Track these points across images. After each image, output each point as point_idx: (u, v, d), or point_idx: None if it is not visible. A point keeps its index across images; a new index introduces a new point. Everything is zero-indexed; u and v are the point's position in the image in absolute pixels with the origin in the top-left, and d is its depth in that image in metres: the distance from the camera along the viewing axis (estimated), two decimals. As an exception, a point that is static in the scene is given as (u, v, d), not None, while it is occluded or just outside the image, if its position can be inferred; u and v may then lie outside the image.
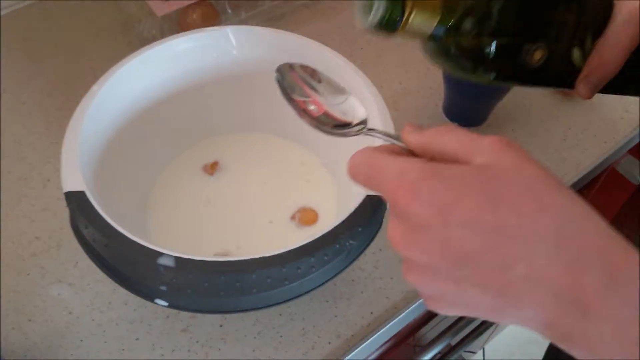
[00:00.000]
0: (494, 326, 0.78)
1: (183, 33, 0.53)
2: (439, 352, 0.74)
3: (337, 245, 0.41)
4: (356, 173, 0.31)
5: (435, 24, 0.38)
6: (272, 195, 0.57)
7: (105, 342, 0.51)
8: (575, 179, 0.63)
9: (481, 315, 0.29)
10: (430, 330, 0.81)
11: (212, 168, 0.58)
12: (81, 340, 0.51)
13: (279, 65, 0.40)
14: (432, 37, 0.38)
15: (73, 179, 0.43)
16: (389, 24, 0.37)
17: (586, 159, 0.64)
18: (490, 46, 0.37)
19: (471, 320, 0.78)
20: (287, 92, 0.39)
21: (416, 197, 0.27)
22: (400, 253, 0.29)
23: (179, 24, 0.70)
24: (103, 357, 0.50)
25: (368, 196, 0.44)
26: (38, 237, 0.57)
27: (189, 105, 0.56)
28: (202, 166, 0.59)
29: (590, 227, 0.27)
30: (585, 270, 0.26)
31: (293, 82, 0.39)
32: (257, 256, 0.40)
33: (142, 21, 0.69)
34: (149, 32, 0.68)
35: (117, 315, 0.53)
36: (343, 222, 0.42)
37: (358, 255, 0.44)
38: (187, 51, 0.53)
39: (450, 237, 0.27)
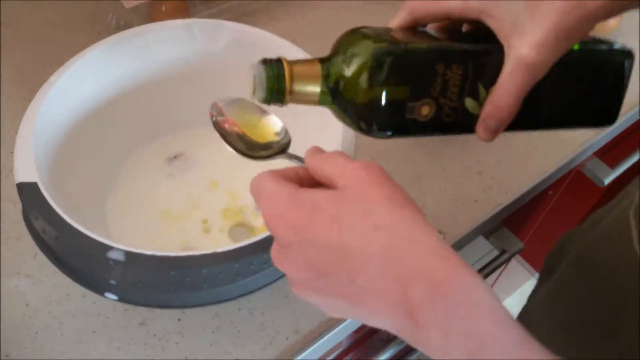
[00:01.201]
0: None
1: (147, 25, 0.52)
2: (404, 348, 0.74)
3: (290, 242, 0.42)
4: (252, 192, 0.34)
5: (319, 91, 0.37)
6: (237, 188, 0.57)
7: (62, 334, 0.51)
8: (538, 180, 0.64)
9: (354, 319, 0.34)
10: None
11: (175, 160, 0.58)
12: (36, 333, 0.51)
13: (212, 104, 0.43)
14: (323, 102, 0.38)
15: (26, 170, 0.43)
16: (277, 98, 0.37)
17: (549, 160, 0.65)
18: (373, 106, 0.36)
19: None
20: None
21: (279, 220, 0.31)
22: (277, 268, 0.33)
23: (149, 16, 0.70)
24: (58, 349, 0.50)
25: (324, 193, 0.44)
26: (-3, 228, 0.56)
27: (152, 98, 0.56)
28: (165, 159, 0.58)
29: (418, 244, 0.29)
30: (410, 285, 0.28)
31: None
32: (208, 252, 0.40)
33: (112, 12, 0.69)
34: (118, 23, 0.68)
35: (75, 307, 0.52)
36: (297, 218, 0.42)
37: (312, 252, 0.44)
38: (151, 43, 0.53)
39: (308, 254, 0.31)
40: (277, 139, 0.41)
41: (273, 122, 0.42)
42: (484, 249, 0.75)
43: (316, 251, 0.30)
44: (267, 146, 0.41)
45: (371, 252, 0.29)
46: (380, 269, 0.29)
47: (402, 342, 0.66)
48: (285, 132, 0.42)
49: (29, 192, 0.42)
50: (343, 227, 0.30)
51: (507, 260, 0.70)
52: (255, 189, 0.33)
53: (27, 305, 0.52)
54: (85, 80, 0.50)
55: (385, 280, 0.29)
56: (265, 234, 0.41)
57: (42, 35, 0.71)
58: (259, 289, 0.42)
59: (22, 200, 0.42)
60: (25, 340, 0.50)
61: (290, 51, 0.53)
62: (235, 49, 0.54)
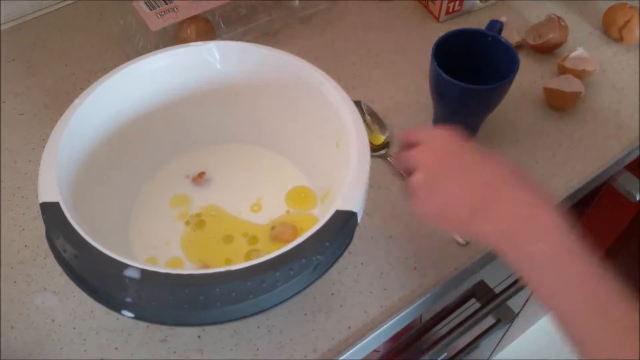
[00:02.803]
0: (493, 337, 0.77)
1: (167, 48, 0.54)
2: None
3: (303, 260, 0.42)
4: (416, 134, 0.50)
5: None
6: (259, 207, 0.58)
7: (85, 350, 0.52)
8: (565, 195, 0.62)
9: (454, 220, 0.47)
10: (424, 343, 0.80)
11: (199, 178, 0.59)
12: (61, 349, 0.52)
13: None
14: None
15: (49, 190, 0.44)
16: None
17: (576, 175, 0.63)
18: None
19: (462, 332, 0.77)
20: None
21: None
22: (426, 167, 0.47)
23: (175, 37, 0.72)
24: (82, 365, 0.51)
25: (338, 211, 0.44)
26: (27, 246, 0.58)
27: (173, 118, 0.57)
28: (185, 177, 0.59)
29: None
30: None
31: None
32: (221, 270, 0.40)
33: (139, 35, 0.71)
34: (145, 46, 0.70)
35: (98, 324, 0.54)
36: (310, 236, 0.42)
37: (326, 271, 0.44)
38: (172, 65, 0.54)
39: (460, 156, 0.47)
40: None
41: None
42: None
43: (467, 156, 0.47)
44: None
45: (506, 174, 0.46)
46: (515, 191, 0.44)
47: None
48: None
49: (51, 212, 0.43)
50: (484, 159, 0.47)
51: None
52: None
53: (53, 321, 0.54)
54: (108, 102, 0.52)
55: (517, 197, 0.44)
56: (276, 253, 0.41)
57: (71, 58, 0.74)
58: (272, 307, 0.42)
59: (44, 219, 0.44)
60: (50, 355, 0.52)
61: (308, 71, 0.53)
62: (253, 69, 0.55)
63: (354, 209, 0.45)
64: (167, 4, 0.69)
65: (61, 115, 0.67)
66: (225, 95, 0.57)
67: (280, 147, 0.61)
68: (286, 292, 0.42)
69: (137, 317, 0.41)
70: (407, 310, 0.55)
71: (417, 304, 0.55)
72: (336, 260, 0.45)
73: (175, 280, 0.40)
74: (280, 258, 0.41)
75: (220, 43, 0.55)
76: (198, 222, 0.57)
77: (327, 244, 0.43)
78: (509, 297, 0.68)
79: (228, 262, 0.54)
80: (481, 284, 0.73)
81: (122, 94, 0.53)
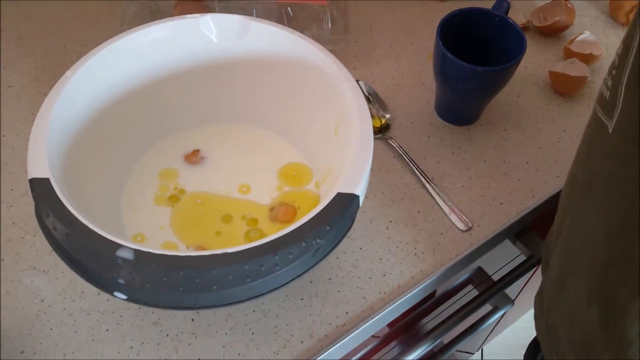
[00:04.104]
0: (489, 324, 0.76)
1: (162, 20, 0.52)
2: (430, 351, 0.72)
3: (303, 244, 0.40)
4: None
5: None
6: (254, 189, 0.56)
7: (75, 331, 0.51)
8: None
9: None
10: (420, 328, 0.79)
11: (193, 156, 0.57)
12: (51, 329, 0.51)
13: None
14: None
15: (38, 166, 0.42)
16: None
17: (580, 162, 0.62)
18: None
19: (461, 318, 0.76)
20: None
21: None
22: None
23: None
24: (71, 347, 0.50)
25: (339, 194, 0.42)
26: (15, 223, 0.56)
27: (167, 94, 0.55)
28: (182, 155, 0.58)
29: None
30: None
31: None
32: (218, 252, 0.39)
33: (132, 6, 0.68)
34: (140, 16, 0.67)
35: (89, 305, 0.52)
36: (311, 219, 0.41)
37: (326, 255, 0.43)
38: (166, 38, 0.52)
39: None
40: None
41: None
42: (512, 254, 0.73)
43: None
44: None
45: None
46: None
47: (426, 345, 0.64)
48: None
49: (41, 188, 0.41)
50: None
51: (535, 266, 0.67)
52: None
53: (42, 301, 0.52)
54: (100, 75, 0.50)
55: None
56: (275, 235, 0.40)
57: (62, 29, 0.71)
58: (270, 291, 0.41)
59: (34, 196, 0.42)
60: (39, 337, 0.50)
61: (310, 48, 0.51)
62: (251, 44, 0.53)
63: (356, 192, 0.43)
64: None
65: (51, 88, 0.66)
66: (222, 72, 0.55)
67: (279, 127, 0.59)
68: (285, 276, 0.41)
69: (130, 300, 0.40)
70: (406, 297, 0.53)
71: (416, 290, 0.54)
72: (337, 244, 0.43)
73: (170, 262, 0.38)
74: (280, 241, 0.40)
75: (217, 15, 0.53)
76: (190, 200, 0.55)
77: (328, 227, 0.41)
78: (508, 284, 0.67)
79: (224, 243, 0.52)
80: (479, 271, 0.72)
81: (115, 67, 0.51)
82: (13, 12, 0.72)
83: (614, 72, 0.35)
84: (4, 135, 0.62)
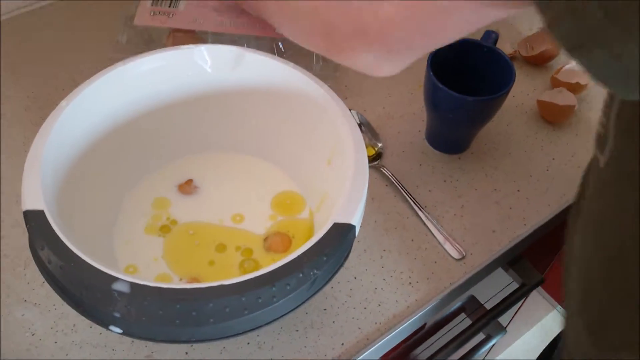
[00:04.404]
0: (481, 353, 0.76)
1: (157, 50, 0.52)
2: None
3: (300, 275, 0.40)
4: None
5: None
6: (247, 218, 0.56)
7: (67, 366, 0.50)
8: (558, 210, 0.61)
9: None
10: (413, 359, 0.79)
11: (187, 186, 0.57)
12: (41, 364, 0.50)
13: None
14: None
15: (33, 198, 0.42)
16: None
17: (570, 189, 0.63)
18: None
19: (454, 348, 0.76)
20: None
21: None
22: None
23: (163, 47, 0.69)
24: (62, 381, 0.49)
25: (336, 224, 0.43)
26: (6, 255, 0.55)
27: (162, 123, 0.55)
28: (175, 185, 0.57)
29: None
30: None
31: None
32: (215, 284, 0.38)
33: (125, 34, 0.68)
34: (131, 41, 0.67)
35: (81, 338, 0.51)
36: (307, 250, 0.41)
37: (323, 286, 0.43)
38: (161, 69, 0.52)
39: None
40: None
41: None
42: (504, 282, 0.73)
43: None
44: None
45: None
46: None
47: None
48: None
49: (35, 220, 0.41)
50: None
51: (527, 293, 0.67)
52: None
53: (33, 334, 0.51)
54: (95, 105, 0.50)
55: None
56: (272, 266, 0.40)
57: (53, 58, 0.71)
58: (268, 323, 0.41)
59: (28, 228, 0.41)
60: (29, 372, 0.49)
61: (303, 78, 0.52)
62: (245, 74, 0.53)
63: (353, 222, 0.43)
64: (169, 7, 0.66)
65: (42, 118, 0.65)
66: (215, 101, 0.56)
67: (272, 156, 0.59)
68: (283, 307, 0.40)
69: (126, 333, 0.39)
70: (402, 327, 0.53)
71: (412, 319, 0.54)
72: (334, 274, 0.43)
73: (166, 295, 0.38)
74: (277, 272, 0.40)
75: (211, 46, 0.53)
76: (183, 231, 0.55)
77: (325, 257, 0.41)
78: (501, 312, 0.67)
79: (218, 273, 0.52)
80: (472, 300, 0.72)
81: (110, 97, 0.51)
82: (4, 42, 0.72)
83: (604, 108, 0.36)
84: (-6, 166, 0.61)
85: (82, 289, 0.39)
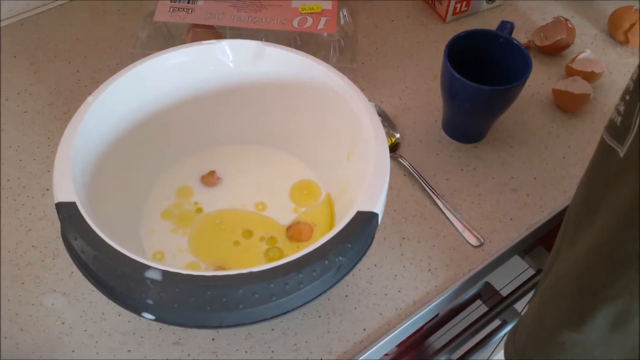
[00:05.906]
0: (496, 339, 0.77)
1: (180, 46, 0.53)
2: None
3: (326, 262, 0.41)
4: None
5: None
6: (270, 208, 0.57)
7: (97, 353, 0.51)
8: (575, 198, 0.62)
9: None
10: (428, 347, 0.80)
11: (209, 177, 0.59)
12: (73, 351, 0.51)
13: None
14: None
15: (64, 190, 0.43)
16: None
17: (586, 177, 0.63)
18: None
19: (471, 335, 0.77)
20: None
21: None
22: None
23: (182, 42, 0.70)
24: (94, 368, 0.50)
25: (359, 212, 0.44)
26: (35, 246, 0.57)
27: (184, 117, 0.57)
28: (198, 177, 0.59)
29: None
30: None
31: None
32: (244, 271, 0.40)
33: (145, 30, 0.69)
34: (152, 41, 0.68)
35: (110, 326, 0.53)
36: (332, 237, 0.42)
37: (348, 272, 0.44)
38: (184, 64, 0.54)
39: None
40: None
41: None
42: (520, 268, 0.74)
43: None
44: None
45: None
46: None
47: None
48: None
49: (67, 212, 0.42)
50: None
51: (543, 280, 0.68)
52: None
53: (63, 323, 0.53)
54: (121, 100, 0.51)
55: None
56: (298, 254, 0.41)
57: (74, 55, 0.72)
58: (295, 309, 0.42)
59: (60, 219, 0.43)
60: (61, 358, 0.51)
61: (323, 71, 0.53)
62: (265, 68, 0.54)
63: (376, 210, 0.44)
64: (189, 3, 0.68)
65: (65, 113, 0.67)
66: (237, 95, 0.57)
67: (293, 148, 0.60)
68: (309, 293, 0.42)
69: (158, 319, 0.41)
70: (422, 313, 0.54)
71: (432, 305, 0.55)
72: (358, 261, 0.44)
73: (197, 282, 0.39)
74: (303, 259, 0.41)
75: (233, 41, 0.54)
76: (209, 220, 0.56)
77: (349, 245, 0.42)
78: (517, 299, 0.68)
79: (243, 257, 0.53)
80: (487, 286, 0.73)
81: (135, 92, 0.52)
82: (26, 39, 0.74)
83: (627, 97, 0.35)
84: (20, 160, 0.63)
85: (116, 277, 0.40)
